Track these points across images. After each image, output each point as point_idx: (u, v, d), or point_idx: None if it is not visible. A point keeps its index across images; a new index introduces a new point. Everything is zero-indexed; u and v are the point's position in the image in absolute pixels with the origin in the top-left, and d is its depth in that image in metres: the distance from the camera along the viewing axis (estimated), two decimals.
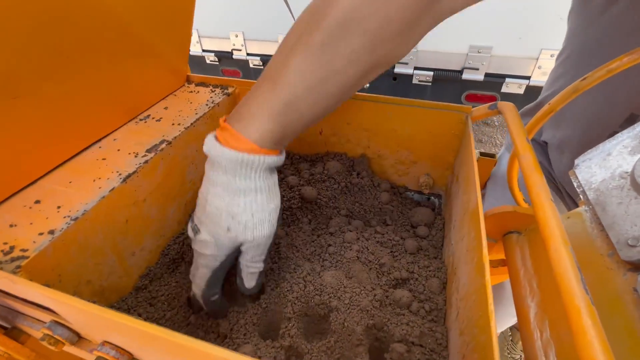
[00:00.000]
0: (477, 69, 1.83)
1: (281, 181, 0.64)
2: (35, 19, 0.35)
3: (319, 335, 0.44)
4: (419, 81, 1.98)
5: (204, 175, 0.40)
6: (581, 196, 0.47)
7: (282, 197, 0.62)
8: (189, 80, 0.68)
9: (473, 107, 0.56)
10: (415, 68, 1.95)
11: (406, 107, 0.57)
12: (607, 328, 0.37)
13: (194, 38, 2.29)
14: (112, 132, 0.52)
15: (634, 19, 0.52)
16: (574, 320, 0.25)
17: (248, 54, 2.24)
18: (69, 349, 0.47)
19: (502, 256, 0.58)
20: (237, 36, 2.19)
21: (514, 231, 0.56)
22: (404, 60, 1.95)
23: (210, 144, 0.37)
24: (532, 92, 1.79)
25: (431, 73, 1.92)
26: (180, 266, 0.53)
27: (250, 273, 0.42)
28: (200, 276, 0.41)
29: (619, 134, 0.47)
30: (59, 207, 0.39)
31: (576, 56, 0.64)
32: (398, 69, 1.97)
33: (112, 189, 0.42)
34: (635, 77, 0.54)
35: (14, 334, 0.51)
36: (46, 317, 0.44)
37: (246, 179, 0.36)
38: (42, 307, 0.46)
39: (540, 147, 0.75)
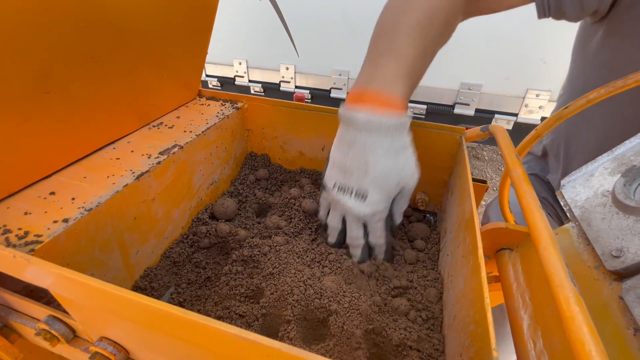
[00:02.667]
0: (468, 105, 1.93)
1: (284, 194, 0.66)
2: (71, 25, 0.38)
3: (317, 339, 0.45)
4: (414, 114, 2.07)
5: (348, 152, 0.44)
6: (568, 214, 0.50)
7: (285, 209, 0.63)
8: (200, 95, 0.72)
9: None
10: (410, 101, 2.05)
11: None
12: (596, 329, 0.39)
13: None
14: (126, 135, 0.55)
15: (621, 62, 0.58)
16: (563, 308, 0.27)
17: (250, 81, 2.33)
18: (61, 348, 0.46)
19: (495, 272, 0.59)
20: (240, 63, 2.29)
21: (506, 248, 0.59)
22: None
23: (364, 118, 0.42)
24: (520, 128, 1.89)
25: (424, 106, 2.01)
26: (181, 269, 0.54)
27: (396, 224, 0.50)
28: (379, 229, 0.48)
29: (600, 157, 0.51)
30: (73, 199, 0.41)
31: (577, 95, 0.70)
32: None
33: (126, 185, 0.44)
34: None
35: (4, 332, 0.50)
36: (42, 313, 0.44)
37: (402, 137, 0.44)
38: (42, 301, 0.46)
39: (547, 184, 0.80)
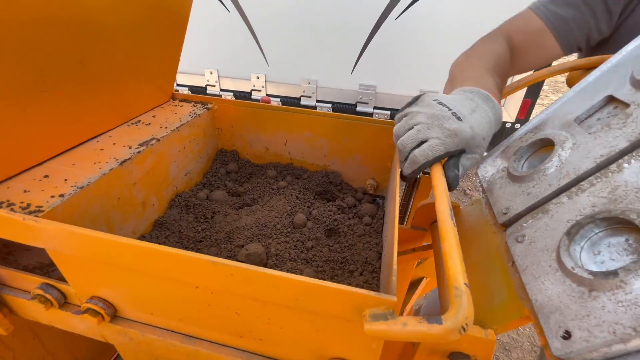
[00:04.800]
0: None
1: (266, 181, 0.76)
2: (64, 33, 0.46)
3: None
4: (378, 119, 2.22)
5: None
6: (480, 187, 0.63)
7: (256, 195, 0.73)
8: (173, 97, 0.80)
9: None
10: (375, 107, 2.21)
11: (355, 122, 0.72)
12: (489, 268, 0.51)
13: None
14: (108, 131, 0.62)
15: None
16: (444, 233, 0.38)
17: (222, 90, 2.40)
18: (54, 313, 0.52)
19: (429, 241, 0.71)
20: (211, 73, 2.36)
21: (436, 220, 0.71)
22: (364, 100, 2.20)
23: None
24: None
25: (388, 112, 2.18)
26: None
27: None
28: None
29: (502, 142, 0.64)
30: (66, 180, 0.48)
31: None
32: (360, 108, 2.21)
33: (111, 169, 0.51)
34: None
35: None
36: (36, 282, 0.50)
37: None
38: (38, 270, 0.52)
39: None
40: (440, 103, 0.50)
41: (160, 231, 0.61)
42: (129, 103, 0.66)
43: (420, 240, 0.74)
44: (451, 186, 0.48)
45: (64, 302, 0.50)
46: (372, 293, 0.32)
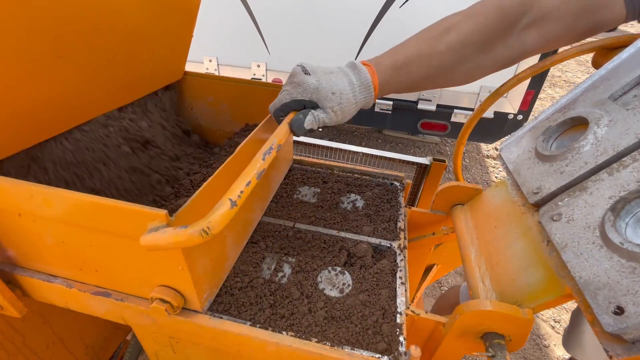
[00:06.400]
0: (430, 100, 2.09)
1: None
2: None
3: None
4: (380, 109, 2.20)
5: None
6: (504, 169, 0.61)
7: None
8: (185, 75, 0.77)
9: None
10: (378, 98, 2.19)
11: (251, 87, 0.75)
12: (521, 248, 0.50)
13: None
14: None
15: None
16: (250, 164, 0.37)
17: None
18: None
19: (451, 225, 0.70)
20: (210, 60, 2.31)
21: (459, 203, 0.70)
22: None
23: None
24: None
25: (391, 102, 2.15)
26: None
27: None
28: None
29: (526, 124, 0.63)
30: None
31: None
32: None
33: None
34: None
35: (10, 287, 0.52)
36: None
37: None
38: None
39: None
40: (298, 65, 0.54)
41: None
42: (144, 78, 0.63)
43: (439, 225, 0.73)
44: (292, 128, 0.51)
45: None
46: (146, 208, 0.33)
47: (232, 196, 0.34)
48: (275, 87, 0.73)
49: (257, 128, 0.53)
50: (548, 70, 2.09)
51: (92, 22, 0.47)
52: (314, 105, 0.52)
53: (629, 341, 0.32)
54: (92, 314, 0.49)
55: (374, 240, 0.60)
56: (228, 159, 0.43)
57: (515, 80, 0.67)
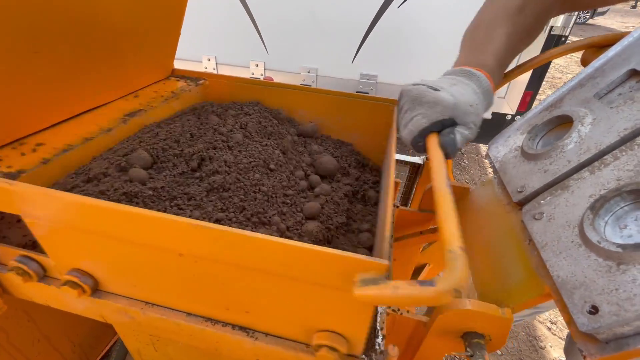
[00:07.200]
0: None
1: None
2: None
3: None
4: None
5: None
6: (492, 167, 0.61)
7: None
8: (173, 73, 0.77)
9: None
10: None
11: (350, 100, 0.71)
12: (504, 247, 0.50)
13: None
14: (104, 104, 0.59)
15: None
16: (439, 199, 0.37)
17: None
18: (33, 286, 0.49)
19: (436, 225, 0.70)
20: (209, 60, 2.31)
21: None
22: (365, 90, 2.17)
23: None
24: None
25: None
26: None
27: None
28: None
29: (514, 123, 0.62)
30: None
31: None
32: None
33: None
34: None
35: None
36: (14, 254, 0.47)
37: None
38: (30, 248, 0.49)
39: None
40: (416, 85, 0.51)
41: None
42: (128, 76, 0.63)
43: (427, 224, 0.72)
44: (447, 151, 0.47)
45: (44, 275, 0.48)
46: (362, 257, 0.30)
47: (457, 244, 0.30)
48: (375, 100, 0.71)
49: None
50: (547, 70, 2.08)
51: (73, 17, 0.47)
52: (452, 123, 0.48)
53: (602, 341, 0.32)
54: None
55: None
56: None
57: (505, 79, 0.67)
